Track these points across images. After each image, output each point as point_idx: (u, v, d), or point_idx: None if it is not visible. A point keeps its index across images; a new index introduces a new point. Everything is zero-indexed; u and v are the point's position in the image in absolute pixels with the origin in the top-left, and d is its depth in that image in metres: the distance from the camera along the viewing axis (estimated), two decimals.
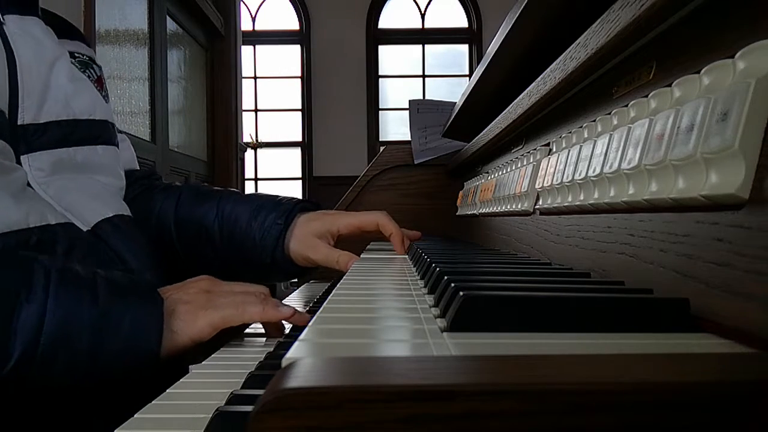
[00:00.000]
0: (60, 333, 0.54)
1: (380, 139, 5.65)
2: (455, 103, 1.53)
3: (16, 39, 0.73)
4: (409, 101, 1.78)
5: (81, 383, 0.56)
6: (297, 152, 5.78)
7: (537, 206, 0.75)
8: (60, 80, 0.77)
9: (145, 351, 0.57)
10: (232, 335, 0.67)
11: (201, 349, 0.61)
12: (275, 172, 5.83)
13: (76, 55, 0.83)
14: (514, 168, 0.91)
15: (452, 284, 0.39)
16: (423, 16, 5.78)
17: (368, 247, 1.16)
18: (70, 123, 0.77)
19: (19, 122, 0.72)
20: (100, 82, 0.86)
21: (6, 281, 0.54)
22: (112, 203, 0.80)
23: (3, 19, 0.73)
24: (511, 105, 0.90)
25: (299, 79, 5.76)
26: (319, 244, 0.91)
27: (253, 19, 5.80)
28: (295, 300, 1.06)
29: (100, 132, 0.82)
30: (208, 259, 0.94)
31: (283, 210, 0.92)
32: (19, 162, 0.71)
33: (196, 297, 0.63)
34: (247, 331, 0.71)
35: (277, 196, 0.96)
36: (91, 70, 0.85)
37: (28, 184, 0.71)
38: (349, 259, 0.90)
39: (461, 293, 0.35)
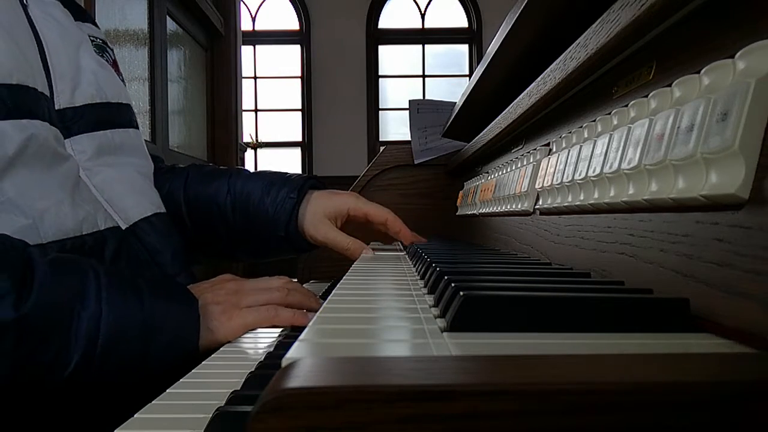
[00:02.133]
0: (113, 336, 0.56)
1: (380, 139, 5.65)
2: (455, 103, 1.53)
3: (40, 22, 0.73)
4: (409, 101, 1.77)
5: (129, 382, 0.59)
6: (297, 152, 5.78)
7: (537, 206, 0.75)
8: (88, 62, 0.78)
9: (187, 349, 0.60)
10: None
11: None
12: None
13: (91, 38, 0.83)
14: (514, 168, 0.91)
15: (452, 284, 0.39)
16: (423, 16, 5.78)
17: (369, 245, 1.16)
18: (104, 106, 0.78)
19: (56, 107, 0.72)
20: (116, 66, 0.86)
21: (63, 290, 0.55)
22: (151, 195, 0.82)
23: (26, 1, 0.72)
24: (511, 105, 0.90)
25: (299, 79, 5.76)
26: (330, 227, 0.92)
27: (253, 19, 5.80)
28: None
29: (128, 116, 0.84)
30: (220, 236, 0.95)
31: (295, 185, 0.94)
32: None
33: (226, 298, 0.66)
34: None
35: (286, 173, 0.98)
36: (107, 54, 0.85)
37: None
38: (360, 248, 0.91)
39: (461, 293, 0.35)
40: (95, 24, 0.88)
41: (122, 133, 0.80)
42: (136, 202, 0.78)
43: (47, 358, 0.53)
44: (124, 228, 0.75)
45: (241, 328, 0.64)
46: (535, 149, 0.83)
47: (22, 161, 0.62)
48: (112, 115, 0.79)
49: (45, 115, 0.66)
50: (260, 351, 0.60)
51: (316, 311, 0.68)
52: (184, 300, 0.62)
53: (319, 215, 0.92)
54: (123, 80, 0.87)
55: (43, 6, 0.75)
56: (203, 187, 0.95)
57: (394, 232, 0.95)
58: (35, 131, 0.63)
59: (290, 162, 5.78)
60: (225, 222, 0.94)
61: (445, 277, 0.44)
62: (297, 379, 0.20)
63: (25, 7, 0.71)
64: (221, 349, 0.62)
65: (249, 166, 5.50)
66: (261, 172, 0.99)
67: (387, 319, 0.40)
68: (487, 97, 1.23)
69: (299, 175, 0.97)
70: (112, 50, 0.87)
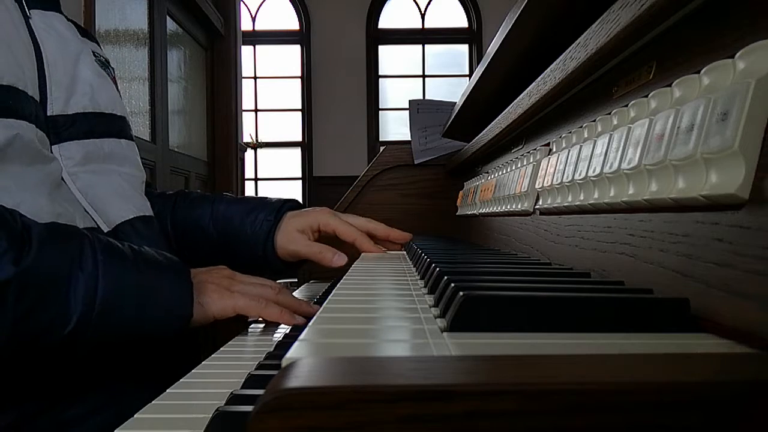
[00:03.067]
0: (110, 297, 0.59)
1: (380, 139, 5.65)
2: (455, 103, 1.53)
3: (41, 33, 0.75)
4: (409, 101, 1.77)
5: (126, 345, 0.62)
6: (297, 152, 5.78)
7: (537, 206, 0.75)
8: (85, 73, 0.80)
9: (181, 317, 0.64)
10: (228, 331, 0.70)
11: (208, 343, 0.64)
12: (275, 172, 5.83)
13: (95, 54, 0.86)
14: (514, 168, 0.91)
15: (452, 284, 0.39)
16: (423, 16, 5.78)
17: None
18: (96, 115, 0.80)
19: (49, 113, 0.74)
20: (114, 82, 0.89)
21: (60, 251, 0.58)
22: (136, 200, 0.84)
23: (29, 13, 0.75)
24: (511, 105, 0.90)
25: (299, 79, 5.76)
26: (301, 238, 0.96)
27: (253, 19, 5.80)
28: None
29: (121, 127, 0.86)
30: (205, 256, 0.99)
31: (272, 208, 0.99)
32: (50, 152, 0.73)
33: (221, 280, 0.70)
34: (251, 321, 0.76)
35: (266, 198, 1.03)
36: (108, 71, 0.88)
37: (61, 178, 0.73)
38: (333, 255, 0.93)
39: (461, 293, 0.35)
40: (99, 44, 0.91)
41: (113, 143, 0.82)
42: (118, 206, 0.79)
43: (47, 316, 0.55)
44: (105, 231, 0.76)
45: (230, 309, 0.68)
46: (535, 149, 0.83)
47: (4, 157, 0.63)
48: (103, 125, 0.81)
49: (33, 118, 0.68)
50: (260, 351, 0.60)
51: (305, 315, 0.71)
52: (177, 269, 0.66)
53: (292, 231, 0.96)
54: (121, 96, 0.89)
55: (45, 18, 0.77)
56: (189, 211, 1.00)
57: (364, 252, 0.97)
58: (21, 131, 0.65)
59: (290, 162, 5.78)
60: (209, 243, 0.99)
61: (445, 277, 0.44)
62: (297, 380, 0.20)
63: (27, 19, 0.74)
64: (221, 349, 0.62)
65: (249, 166, 5.50)
66: (244, 197, 1.04)
67: (387, 319, 0.40)
68: (487, 97, 1.23)
69: (279, 199, 1.02)
70: (113, 69, 0.90)
